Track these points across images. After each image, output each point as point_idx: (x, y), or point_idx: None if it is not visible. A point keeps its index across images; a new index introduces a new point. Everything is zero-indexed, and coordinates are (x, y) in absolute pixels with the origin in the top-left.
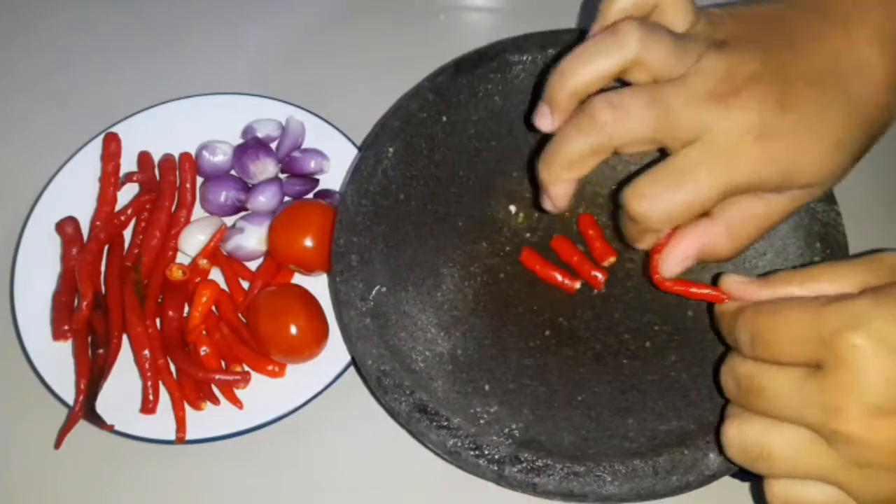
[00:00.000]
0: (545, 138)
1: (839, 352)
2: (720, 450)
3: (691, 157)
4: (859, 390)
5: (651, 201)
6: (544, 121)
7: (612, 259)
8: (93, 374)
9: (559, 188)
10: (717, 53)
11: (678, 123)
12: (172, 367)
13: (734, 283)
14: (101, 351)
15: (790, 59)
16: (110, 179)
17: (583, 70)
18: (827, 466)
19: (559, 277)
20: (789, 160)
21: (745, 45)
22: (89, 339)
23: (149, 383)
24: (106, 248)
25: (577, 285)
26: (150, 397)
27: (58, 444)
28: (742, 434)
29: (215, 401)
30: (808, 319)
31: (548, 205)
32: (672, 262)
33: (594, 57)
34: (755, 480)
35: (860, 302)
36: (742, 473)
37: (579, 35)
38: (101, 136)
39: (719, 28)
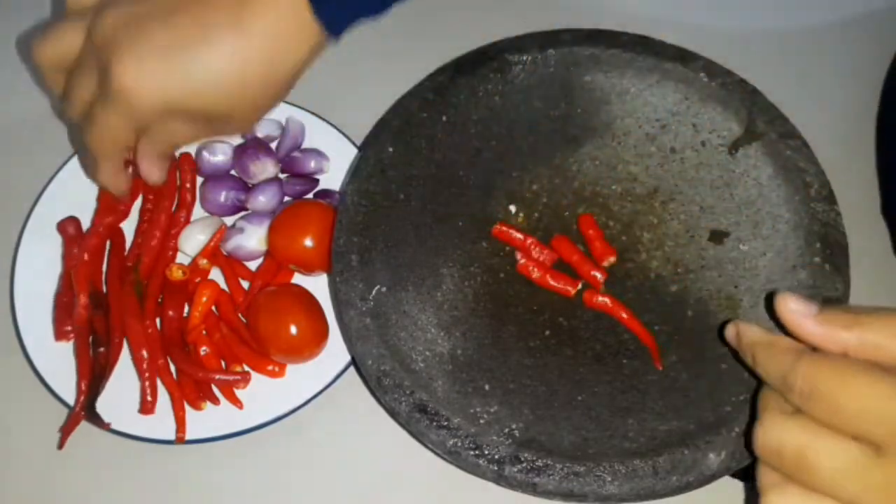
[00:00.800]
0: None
1: None
2: (720, 451)
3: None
4: None
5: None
6: None
7: (612, 259)
8: (94, 375)
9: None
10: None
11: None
12: (172, 368)
13: (792, 311)
14: (101, 350)
15: None
16: None
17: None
18: None
19: (553, 283)
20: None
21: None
22: (90, 339)
23: (147, 383)
24: (107, 247)
25: (573, 290)
26: (149, 397)
27: (61, 445)
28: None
29: (215, 401)
30: (883, 396)
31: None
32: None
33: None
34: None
35: None
36: (742, 473)
37: (578, 35)
38: None
39: None
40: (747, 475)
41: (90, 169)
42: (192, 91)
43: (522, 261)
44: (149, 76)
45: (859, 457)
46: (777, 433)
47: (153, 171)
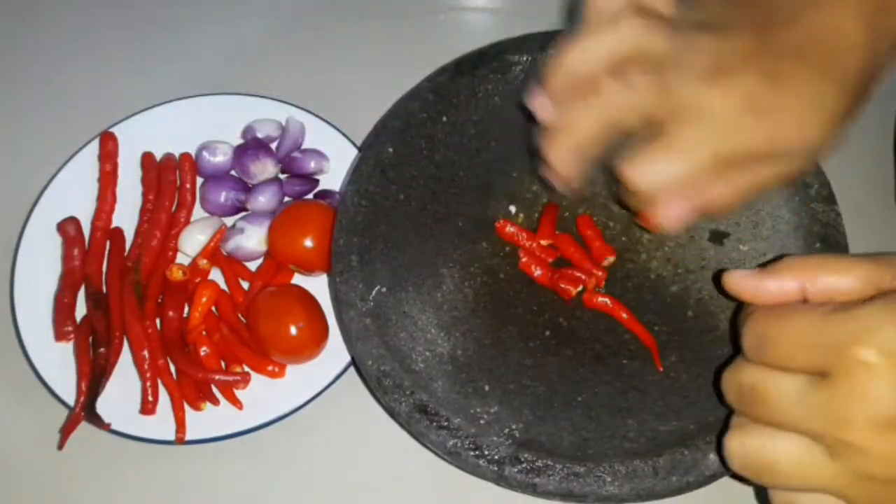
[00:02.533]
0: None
1: (847, 362)
2: (720, 452)
3: (686, 132)
4: (867, 401)
5: (648, 174)
6: (540, 101)
7: (612, 259)
8: (94, 375)
9: (568, 164)
10: (706, 35)
11: (677, 101)
12: (172, 368)
13: (736, 279)
14: (102, 350)
15: (775, 34)
16: (109, 179)
17: (580, 53)
18: (829, 478)
19: (554, 282)
20: (780, 134)
21: (732, 23)
22: (90, 339)
23: (148, 384)
24: (107, 247)
25: (574, 291)
26: (150, 398)
27: (61, 445)
28: (743, 446)
29: (215, 401)
30: (816, 327)
31: (559, 183)
32: (670, 217)
33: (591, 43)
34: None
35: (870, 311)
36: None
37: None
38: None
39: (704, 9)
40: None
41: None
42: (786, 131)
43: (524, 259)
44: (753, 110)
45: (805, 383)
46: (737, 374)
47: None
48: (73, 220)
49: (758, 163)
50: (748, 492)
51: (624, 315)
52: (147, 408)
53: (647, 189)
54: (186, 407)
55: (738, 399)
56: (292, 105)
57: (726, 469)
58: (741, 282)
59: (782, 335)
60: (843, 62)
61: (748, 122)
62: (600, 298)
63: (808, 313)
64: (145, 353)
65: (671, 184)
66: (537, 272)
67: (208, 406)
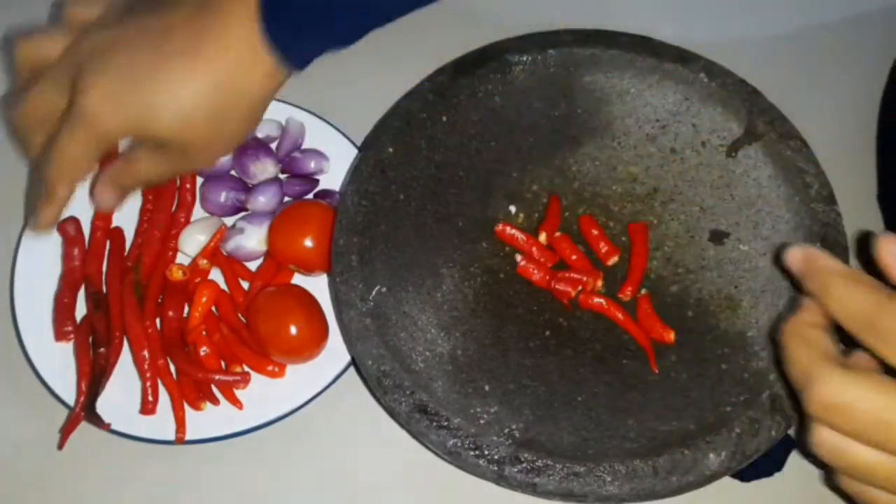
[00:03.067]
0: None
1: None
2: (720, 451)
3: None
4: None
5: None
6: None
7: (616, 258)
8: (94, 375)
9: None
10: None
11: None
12: (172, 368)
13: (892, 253)
14: (102, 350)
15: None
16: None
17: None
18: None
19: (554, 285)
20: (132, 115)
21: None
22: (90, 339)
23: (148, 384)
24: (107, 247)
25: (573, 292)
26: (150, 398)
27: (61, 445)
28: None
29: (215, 401)
30: None
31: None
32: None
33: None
34: (757, 479)
35: None
36: (742, 474)
37: (578, 35)
38: None
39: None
40: (747, 475)
41: (41, 196)
42: (150, 116)
43: (523, 262)
44: (110, 99)
45: None
46: (844, 390)
47: (106, 198)
48: (73, 220)
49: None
50: (747, 492)
51: (619, 315)
52: (147, 408)
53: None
54: (186, 407)
55: (845, 421)
56: (292, 105)
57: (726, 467)
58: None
59: None
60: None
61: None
62: (596, 299)
63: None
64: (145, 353)
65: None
66: (536, 275)
67: (208, 406)
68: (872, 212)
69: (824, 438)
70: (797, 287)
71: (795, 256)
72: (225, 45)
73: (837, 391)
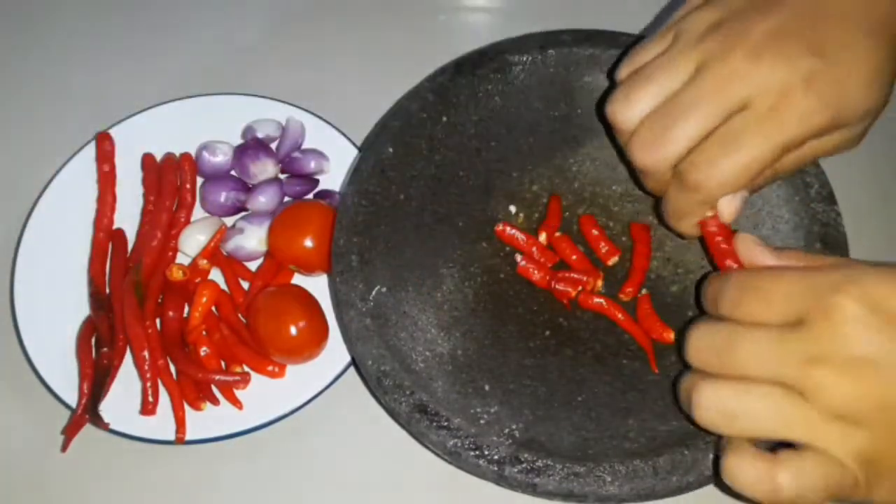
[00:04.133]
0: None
1: (825, 305)
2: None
3: (738, 123)
4: (842, 340)
5: (709, 169)
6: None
7: (616, 259)
8: (97, 376)
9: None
10: (735, 20)
11: (723, 95)
12: (172, 368)
13: (747, 244)
14: (104, 350)
15: (808, 2)
16: (108, 180)
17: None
18: (801, 421)
19: (554, 285)
20: (834, 103)
21: (761, 2)
22: (93, 340)
23: (148, 384)
24: (109, 247)
25: (574, 292)
26: (150, 398)
27: (64, 448)
28: (717, 396)
29: (215, 401)
30: (801, 277)
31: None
32: (729, 214)
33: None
34: None
35: (856, 264)
36: None
37: (578, 35)
38: None
39: None
40: None
41: (682, 208)
42: (844, 113)
43: (523, 263)
44: (812, 93)
45: (779, 331)
46: (709, 330)
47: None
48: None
49: (818, 138)
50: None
51: (620, 315)
52: (147, 408)
53: (705, 184)
54: (186, 407)
55: (709, 354)
56: (292, 105)
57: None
58: (747, 248)
59: (767, 285)
60: (879, 15)
61: (798, 99)
62: (596, 299)
63: (794, 269)
64: (145, 353)
65: (732, 178)
66: (536, 275)
67: (208, 406)
68: (878, 210)
69: (711, 393)
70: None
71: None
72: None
73: (701, 330)
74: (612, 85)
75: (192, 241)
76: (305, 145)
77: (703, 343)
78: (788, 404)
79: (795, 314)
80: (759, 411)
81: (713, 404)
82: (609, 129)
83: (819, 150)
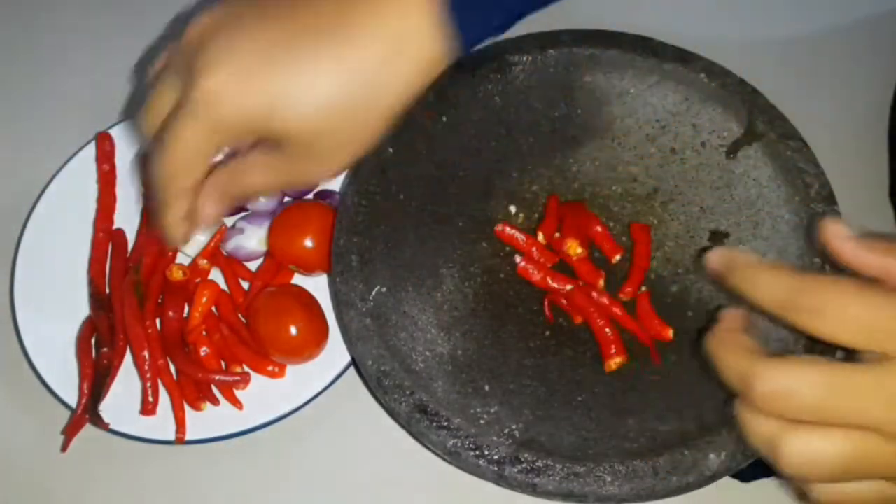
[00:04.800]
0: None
1: None
2: (720, 451)
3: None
4: None
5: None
6: None
7: (618, 257)
8: (96, 376)
9: None
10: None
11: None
12: (172, 368)
13: (836, 235)
14: (105, 350)
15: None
16: (108, 180)
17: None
18: (887, 464)
19: (554, 285)
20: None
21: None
22: (93, 340)
23: (148, 384)
24: (109, 247)
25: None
26: (150, 398)
27: (64, 448)
28: (811, 447)
29: (215, 401)
30: (889, 307)
31: None
32: None
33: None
34: (756, 479)
35: None
36: (742, 474)
37: (578, 35)
38: None
39: None
40: (747, 475)
41: (157, 209)
42: (282, 104)
43: (522, 264)
44: (235, 82)
45: (873, 371)
46: (787, 377)
47: (209, 209)
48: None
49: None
50: (747, 492)
51: (617, 311)
52: (147, 408)
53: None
54: (186, 407)
55: (786, 405)
56: None
57: (726, 467)
58: (845, 244)
59: (859, 305)
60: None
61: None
62: (596, 295)
63: (889, 294)
64: (145, 353)
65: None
66: (536, 276)
67: (208, 406)
68: (883, 209)
69: (803, 445)
70: (721, 289)
71: (715, 257)
72: (385, 19)
73: (778, 379)
74: None
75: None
76: None
77: (787, 389)
78: (876, 449)
79: (882, 344)
80: (856, 461)
81: (808, 458)
82: None
83: (264, 171)
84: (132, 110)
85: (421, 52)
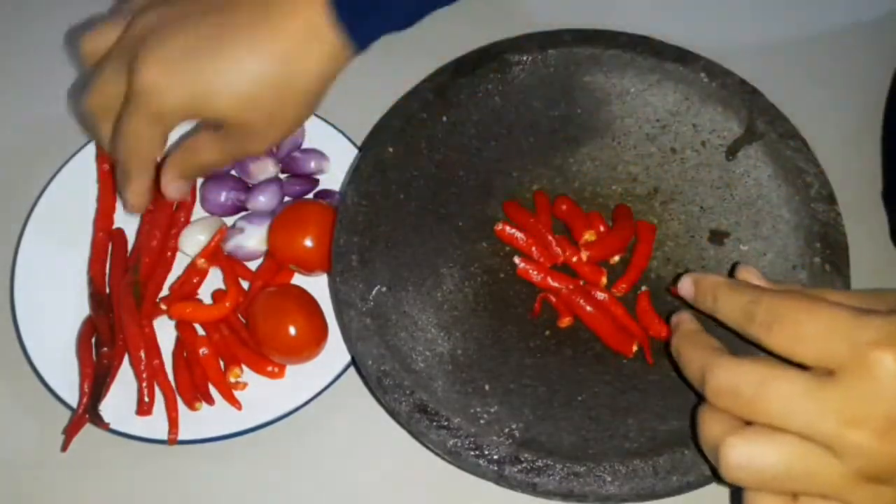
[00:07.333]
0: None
1: (868, 363)
2: (705, 458)
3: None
4: (883, 402)
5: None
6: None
7: (618, 257)
8: (97, 376)
9: None
10: None
11: None
12: (168, 368)
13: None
14: (105, 350)
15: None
16: (108, 179)
17: None
18: (833, 480)
19: (554, 284)
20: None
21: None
22: (93, 340)
23: (144, 384)
24: (109, 247)
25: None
26: (146, 398)
27: (65, 447)
28: (749, 455)
29: (212, 402)
30: (845, 320)
31: None
32: None
33: None
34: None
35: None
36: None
37: (578, 35)
38: None
39: None
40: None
41: (119, 182)
42: (212, 92)
43: (522, 265)
44: (169, 75)
45: (815, 380)
46: (733, 371)
47: (172, 188)
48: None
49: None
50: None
51: (618, 311)
52: (143, 408)
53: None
54: (186, 407)
55: (734, 401)
56: None
57: (716, 477)
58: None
59: (808, 321)
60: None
61: None
62: (598, 294)
63: (837, 306)
64: (141, 353)
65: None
66: (535, 276)
67: (208, 406)
68: (878, 210)
69: (743, 451)
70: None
71: (685, 284)
72: (291, 18)
73: (729, 373)
74: None
75: (192, 241)
76: (305, 145)
77: (730, 380)
78: (822, 464)
79: (829, 360)
80: (790, 471)
81: (745, 464)
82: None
83: (210, 150)
84: None
85: (324, 46)
